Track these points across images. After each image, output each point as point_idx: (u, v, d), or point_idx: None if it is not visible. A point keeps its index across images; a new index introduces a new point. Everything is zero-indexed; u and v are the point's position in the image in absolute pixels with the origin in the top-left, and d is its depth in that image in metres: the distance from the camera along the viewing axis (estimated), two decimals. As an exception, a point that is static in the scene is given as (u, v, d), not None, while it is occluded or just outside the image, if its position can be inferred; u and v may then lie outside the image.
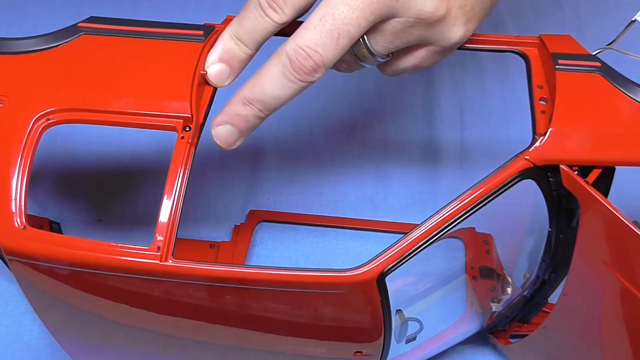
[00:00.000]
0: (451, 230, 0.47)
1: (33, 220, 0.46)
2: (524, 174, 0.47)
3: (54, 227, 0.67)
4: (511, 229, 0.63)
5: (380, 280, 0.46)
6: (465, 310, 0.64)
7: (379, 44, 0.48)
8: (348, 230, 0.70)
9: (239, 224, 0.70)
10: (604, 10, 0.81)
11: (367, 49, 0.48)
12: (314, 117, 0.75)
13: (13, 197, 0.46)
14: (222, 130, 0.49)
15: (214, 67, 0.49)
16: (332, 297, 0.47)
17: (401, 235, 0.47)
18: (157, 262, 0.45)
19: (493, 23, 0.81)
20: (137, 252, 0.45)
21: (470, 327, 0.62)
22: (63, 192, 0.71)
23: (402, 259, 0.46)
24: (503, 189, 0.47)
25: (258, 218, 0.71)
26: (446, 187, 0.72)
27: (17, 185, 0.46)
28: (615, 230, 0.44)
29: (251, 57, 0.49)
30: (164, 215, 0.45)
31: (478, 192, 0.47)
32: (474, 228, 0.69)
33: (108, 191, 0.72)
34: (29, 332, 0.64)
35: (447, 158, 0.73)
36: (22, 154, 0.47)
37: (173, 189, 0.46)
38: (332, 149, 0.74)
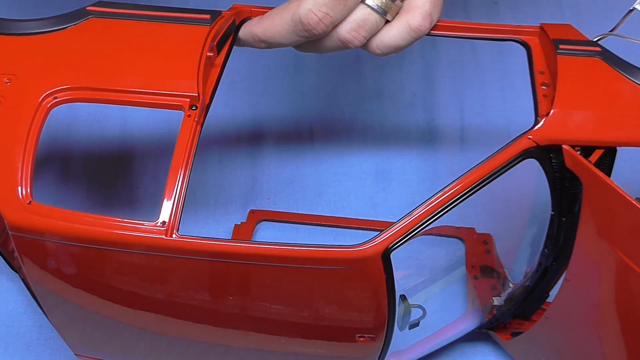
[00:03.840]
0: (456, 206, 0.47)
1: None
2: (526, 153, 0.48)
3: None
4: (511, 224, 0.63)
5: (386, 256, 0.46)
6: (466, 306, 0.64)
7: None
8: (348, 230, 0.70)
9: (239, 223, 0.70)
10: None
11: None
12: (314, 117, 0.75)
13: (19, 174, 0.46)
14: None
15: None
16: (336, 274, 0.47)
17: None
18: (163, 237, 0.45)
19: (490, 13, 0.81)
20: (142, 227, 0.45)
21: (470, 322, 0.62)
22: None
23: (407, 235, 0.46)
24: (506, 167, 0.47)
25: (258, 217, 0.71)
26: (446, 187, 0.72)
27: (23, 161, 0.46)
28: (618, 208, 0.44)
29: None
30: (169, 191, 0.46)
31: (482, 170, 0.47)
32: (473, 229, 0.69)
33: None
34: (29, 332, 0.64)
35: (447, 158, 0.73)
36: (29, 132, 0.47)
37: (180, 166, 0.46)
38: (332, 149, 0.74)
